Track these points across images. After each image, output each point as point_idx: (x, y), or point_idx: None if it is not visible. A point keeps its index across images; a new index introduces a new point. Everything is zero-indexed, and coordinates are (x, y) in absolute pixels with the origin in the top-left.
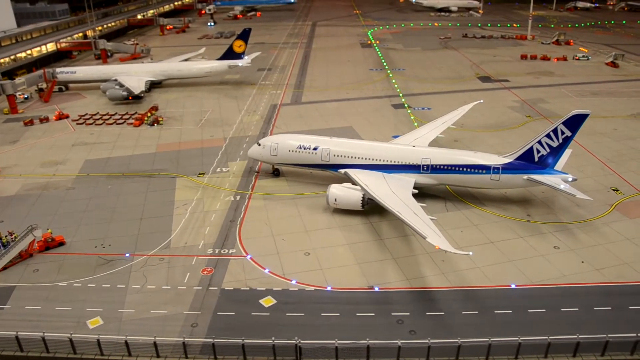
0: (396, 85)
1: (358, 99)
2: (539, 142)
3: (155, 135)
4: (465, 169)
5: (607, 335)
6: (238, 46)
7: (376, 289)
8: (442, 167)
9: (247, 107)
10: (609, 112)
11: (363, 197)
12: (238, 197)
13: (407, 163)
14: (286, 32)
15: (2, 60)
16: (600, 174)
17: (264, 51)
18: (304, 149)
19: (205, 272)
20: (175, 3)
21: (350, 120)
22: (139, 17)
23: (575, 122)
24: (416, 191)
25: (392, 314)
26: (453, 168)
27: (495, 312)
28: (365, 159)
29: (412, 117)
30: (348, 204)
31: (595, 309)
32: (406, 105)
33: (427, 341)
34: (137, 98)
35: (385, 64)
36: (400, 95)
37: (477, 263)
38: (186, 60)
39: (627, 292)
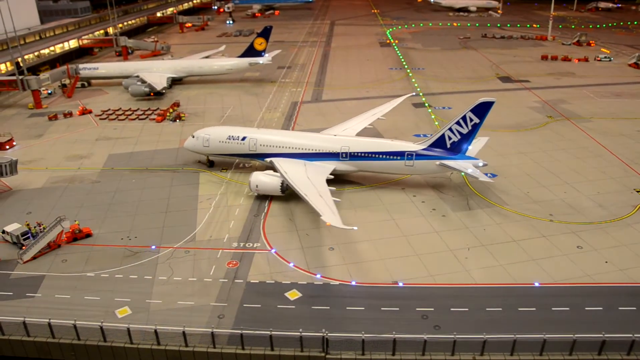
0: (416, 85)
1: (378, 98)
2: (450, 129)
3: (178, 131)
4: (380, 156)
5: (634, 335)
6: (259, 44)
7: (400, 284)
8: (359, 154)
9: (267, 104)
10: (632, 113)
11: (282, 183)
12: None
13: (328, 151)
14: (305, 31)
15: (26, 57)
16: (624, 176)
17: (284, 49)
18: (233, 139)
19: (230, 265)
20: (194, 1)
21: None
22: (159, 14)
23: (481, 110)
24: (332, 177)
25: (417, 309)
26: (369, 155)
27: (519, 309)
28: (289, 148)
29: (432, 117)
30: (268, 190)
31: (620, 308)
32: (427, 104)
33: (452, 336)
34: (158, 94)
35: (404, 63)
36: (421, 94)
37: (500, 261)
38: (207, 57)
39: None
